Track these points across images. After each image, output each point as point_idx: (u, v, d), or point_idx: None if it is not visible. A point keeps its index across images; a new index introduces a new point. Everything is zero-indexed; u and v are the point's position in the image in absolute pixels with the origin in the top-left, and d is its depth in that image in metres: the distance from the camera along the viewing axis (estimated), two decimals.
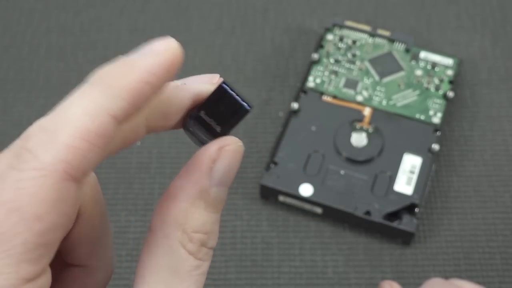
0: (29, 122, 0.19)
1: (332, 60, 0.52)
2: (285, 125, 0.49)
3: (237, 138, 0.22)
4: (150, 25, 0.57)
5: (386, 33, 0.53)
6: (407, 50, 0.52)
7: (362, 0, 0.58)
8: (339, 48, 0.52)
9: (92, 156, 0.18)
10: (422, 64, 0.51)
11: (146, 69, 0.19)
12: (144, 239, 0.21)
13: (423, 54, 0.52)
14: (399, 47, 0.52)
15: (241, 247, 0.46)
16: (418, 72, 0.51)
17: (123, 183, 0.48)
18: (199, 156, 0.21)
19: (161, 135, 0.50)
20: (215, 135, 0.22)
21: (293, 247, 0.46)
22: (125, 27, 0.56)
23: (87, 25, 0.57)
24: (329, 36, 0.53)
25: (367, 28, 0.53)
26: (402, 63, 0.52)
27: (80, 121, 0.18)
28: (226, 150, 0.21)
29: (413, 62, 0.52)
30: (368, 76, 0.51)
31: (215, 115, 0.22)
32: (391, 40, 0.53)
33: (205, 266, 0.21)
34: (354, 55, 0.52)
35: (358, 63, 0.52)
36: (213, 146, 0.21)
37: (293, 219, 0.47)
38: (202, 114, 0.22)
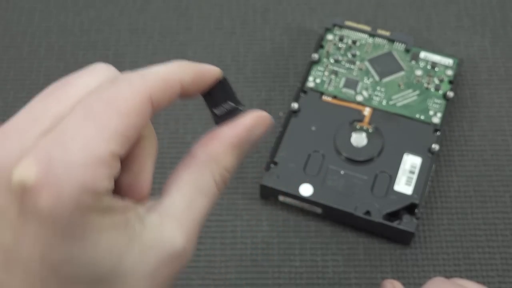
0: None
1: (332, 60, 0.52)
2: (285, 125, 0.49)
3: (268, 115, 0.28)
4: (150, 25, 0.57)
5: (386, 33, 0.53)
6: (407, 50, 0.52)
7: (362, 0, 0.58)
8: (339, 48, 0.52)
9: (170, 96, 0.25)
10: (422, 64, 0.51)
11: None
12: (182, 160, 0.27)
13: (423, 54, 0.52)
14: (399, 47, 0.52)
15: (241, 247, 0.46)
16: (418, 72, 0.51)
17: None
18: (245, 120, 0.27)
19: (161, 135, 0.50)
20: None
21: (293, 247, 0.46)
22: (125, 27, 0.56)
23: (87, 25, 0.57)
24: (329, 36, 0.53)
25: (367, 28, 0.53)
26: (402, 63, 0.52)
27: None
28: (266, 119, 0.28)
29: (413, 62, 0.52)
30: (368, 76, 0.51)
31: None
32: (391, 40, 0.53)
33: (216, 198, 0.27)
34: (354, 55, 0.52)
35: (358, 63, 0.52)
36: (258, 113, 0.28)
37: (293, 219, 0.47)
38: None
